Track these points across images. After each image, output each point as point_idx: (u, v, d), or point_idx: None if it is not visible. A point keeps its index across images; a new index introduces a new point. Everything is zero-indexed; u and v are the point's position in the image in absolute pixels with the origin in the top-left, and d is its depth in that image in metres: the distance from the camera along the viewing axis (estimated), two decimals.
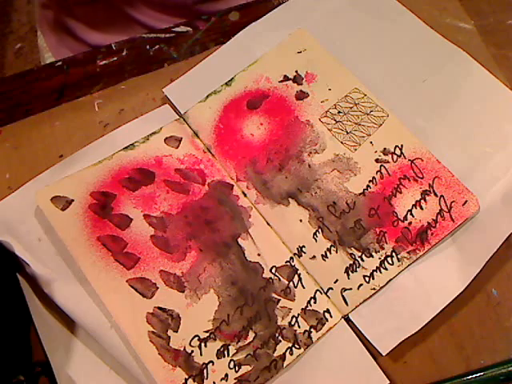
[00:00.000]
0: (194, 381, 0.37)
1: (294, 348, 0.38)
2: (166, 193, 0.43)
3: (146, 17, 0.58)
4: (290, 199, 0.43)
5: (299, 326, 0.39)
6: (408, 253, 0.41)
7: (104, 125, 0.47)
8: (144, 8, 0.58)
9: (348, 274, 0.40)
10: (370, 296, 0.40)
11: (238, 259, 0.41)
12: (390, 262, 0.41)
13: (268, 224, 0.43)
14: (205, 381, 0.37)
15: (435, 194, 0.42)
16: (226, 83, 0.48)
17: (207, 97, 0.47)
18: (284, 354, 0.38)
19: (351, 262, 0.41)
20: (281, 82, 0.48)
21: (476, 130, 0.46)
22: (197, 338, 0.39)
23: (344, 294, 0.40)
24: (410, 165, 0.44)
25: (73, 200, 0.42)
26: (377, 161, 0.44)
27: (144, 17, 0.58)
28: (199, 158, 0.45)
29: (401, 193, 0.43)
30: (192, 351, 0.38)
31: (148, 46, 0.51)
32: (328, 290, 0.40)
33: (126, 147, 0.45)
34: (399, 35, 0.50)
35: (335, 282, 0.40)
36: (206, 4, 0.57)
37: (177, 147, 0.45)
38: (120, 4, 0.58)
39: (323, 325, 0.39)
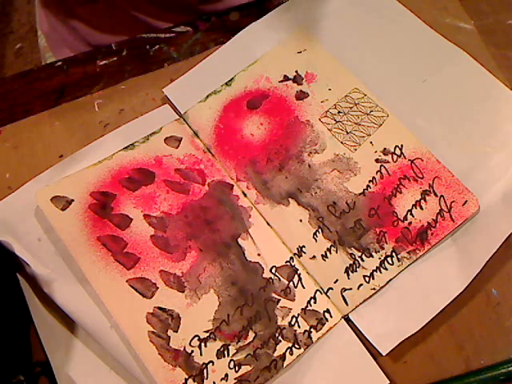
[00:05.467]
0: (194, 381, 0.37)
1: (294, 348, 0.38)
2: (166, 193, 0.43)
3: (149, 16, 0.58)
4: (289, 199, 0.43)
5: (299, 326, 0.39)
6: (408, 253, 0.41)
7: (104, 125, 0.47)
8: (146, 7, 0.58)
9: (348, 274, 0.40)
10: (370, 296, 0.40)
11: (238, 259, 0.41)
12: (390, 262, 0.41)
13: (268, 224, 0.43)
14: (205, 381, 0.37)
15: (435, 194, 0.42)
16: (226, 83, 0.48)
17: (207, 97, 0.47)
18: (284, 353, 0.38)
19: (351, 262, 0.41)
20: (281, 82, 0.48)
21: (476, 129, 0.46)
22: (197, 337, 0.39)
23: (344, 294, 0.40)
24: (410, 165, 0.44)
25: (73, 200, 0.42)
26: (377, 161, 0.44)
27: (146, 16, 0.58)
28: (199, 157, 0.45)
29: (401, 193, 0.43)
30: (192, 351, 0.38)
31: (148, 46, 0.51)
32: (328, 290, 0.40)
33: (126, 147, 0.45)
34: (399, 35, 0.50)
35: (335, 282, 0.40)
36: (209, 4, 0.57)
37: (177, 147, 0.45)
38: (122, 3, 0.57)
39: (323, 325, 0.39)
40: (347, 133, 0.45)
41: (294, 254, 0.42)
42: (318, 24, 0.51)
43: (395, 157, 0.44)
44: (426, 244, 0.41)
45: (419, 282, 0.40)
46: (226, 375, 0.38)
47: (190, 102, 0.47)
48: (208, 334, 0.39)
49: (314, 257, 0.41)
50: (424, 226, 0.41)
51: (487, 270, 0.40)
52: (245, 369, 0.38)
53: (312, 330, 0.39)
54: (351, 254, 0.41)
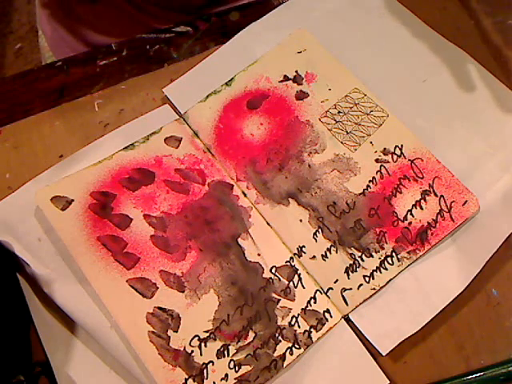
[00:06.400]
0: (194, 381, 0.37)
1: (294, 348, 0.38)
2: (166, 193, 0.43)
3: (149, 16, 0.58)
4: (289, 199, 0.43)
5: (299, 326, 0.39)
6: (408, 253, 0.41)
7: (104, 125, 0.47)
8: (147, 7, 0.58)
9: (348, 274, 0.40)
10: (370, 296, 0.40)
11: (237, 259, 0.41)
12: (390, 261, 0.41)
13: (268, 224, 0.43)
14: (205, 381, 0.37)
15: (435, 194, 0.42)
16: (226, 83, 0.48)
17: (207, 97, 0.47)
18: (284, 353, 0.38)
19: (351, 262, 0.41)
20: (281, 82, 0.48)
21: (476, 129, 0.46)
22: (197, 337, 0.39)
23: (344, 293, 0.40)
24: (410, 165, 0.44)
25: (73, 200, 0.42)
26: (377, 161, 0.44)
27: (146, 16, 0.58)
28: (199, 157, 0.45)
29: (401, 193, 0.43)
30: (192, 351, 0.38)
31: (148, 46, 0.51)
32: (328, 289, 0.40)
33: (126, 147, 0.45)
34: (399, 35, 0.50)
35: (335, 282, 0.40)
36: (210, 8, 0.57)
37: (177, 147, 0.45)
38: (122, 3, 0.57)
39: (323, 325, 0.39)
40: (347, 133, 0.45)
41: (294, 254, 0.42)
42: (318, 24, 0.51)
43: (395, 157, 0.44)
44: (425, 244, 0.41)
45: (419, 282, 0.40)
46: (226, 375, 0.38)
47: (190, 102, 0.47)
48: (208, 334, 0.39)
49: (314, 257, 0.41)
50: (424, 226, 0.41)
51: (487, 270, 0.40)
52: (245, 369, 0.38)
53: (312, 330, 0.39)
54: (351, 254, 0.41)
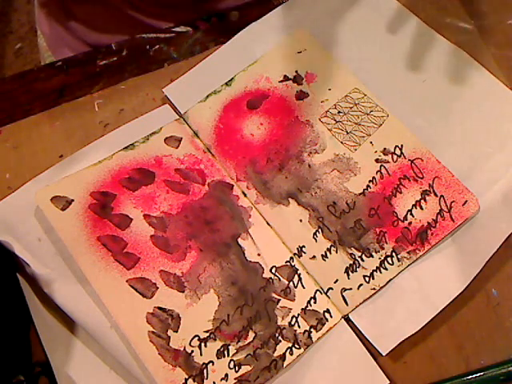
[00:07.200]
0: (194, 381, 0.37)
1: (294, 348, 0.38)
2: (166, 193, 0.43)
3: (147, 16, 0.58)
4: (290, 199, 0.43)
5: (299, 326, 0.39)
6: (408, 253, 0.41)
7: (104, 125, 0.47)
8: (144, 7, 0.57)
9: (348, 274, 0.41)
10: (370, 296, 0.40)
11: (237, 259, 0.41)
12: (390, 261, 0.41)
13: (268, 224, 0.43)
14: (205, 381, 0.37)
15: (435, 194, 0.42)
16: (226, 83, 0.48)
17: (207, 97, 0.47)
18: (284, 353, 0.38)
19: (351, 262, 0.41)
20: (281, 82, 0.48)
21: (476, 129, 0.46)
22: (197, 337, 0.39)
23: (344, 294, 0.40)
24: (410, 165, 0.44)
25: (73, 200, 0.42)
26: (377, 161, 0.44)
27: (144, 16, 0.58)
28: (199, 157, 0.45)
29: (401, 193, 0.43)
30: (192, 351, 0.38)
31: (148, 46, 0.51)
32: (328, 289, 0.40)
33: (126, 147, 0.45)
34: (399, 35, 0.50)
35: (335, 282, 0.40)
36: (206, 4, 0.57)
37: (177, 147, 0.45)
38: (120, 3, 0.57)
39: (323, 325, 0.39)
40: (347, 133, 0.45)
41: (294, 254, 0.42)
42: (318, 24, 0.51)
43: (395, 157, 0.44)
44: (425, 244, 0.41)
45: (419, 282, 0.40)
46: (226, 375, 0.38)
47: (190, 102, 0.47)
48: (208, 334, 0.39)
49: (314, 257, 0.41)
50: (424, 226, 0.41)
51: (487, 270, 0.40)
52: (245, 369, 0.38)
53: (312, 330, 0.39)
54: (351, 254, 0.41)
